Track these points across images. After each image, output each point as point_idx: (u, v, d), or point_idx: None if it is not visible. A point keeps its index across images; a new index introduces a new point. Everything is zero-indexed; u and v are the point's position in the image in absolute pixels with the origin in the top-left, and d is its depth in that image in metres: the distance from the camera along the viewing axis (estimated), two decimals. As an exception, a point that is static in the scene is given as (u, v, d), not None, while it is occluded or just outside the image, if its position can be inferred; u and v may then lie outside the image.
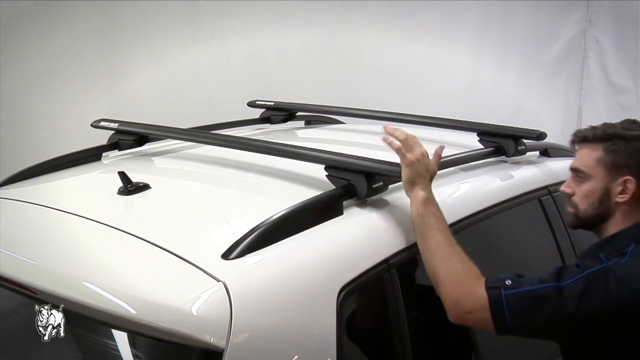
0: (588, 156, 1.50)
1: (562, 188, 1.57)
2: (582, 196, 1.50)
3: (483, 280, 1.37)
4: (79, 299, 1.23)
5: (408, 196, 1.49)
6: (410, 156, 1.49)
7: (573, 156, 1.59)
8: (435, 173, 1.53)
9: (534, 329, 1.35)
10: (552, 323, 1.32)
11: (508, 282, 1.34)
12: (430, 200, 1.46)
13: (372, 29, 4.55)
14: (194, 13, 4.21)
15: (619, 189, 1.46)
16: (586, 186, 1.49)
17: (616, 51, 4.52)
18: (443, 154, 1.60)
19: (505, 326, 1.33)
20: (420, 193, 1.46)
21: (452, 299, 1.37)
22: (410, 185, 1.48)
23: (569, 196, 1.54)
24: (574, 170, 1.53)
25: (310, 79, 4.42)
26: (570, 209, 1.54)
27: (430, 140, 2.20)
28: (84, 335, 1.36)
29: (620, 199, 1.46)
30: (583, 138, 1.53)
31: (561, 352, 1.49)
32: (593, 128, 1.52)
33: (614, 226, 1.48)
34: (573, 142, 1.57)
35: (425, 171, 1.49)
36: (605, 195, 1.47)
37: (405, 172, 1.48)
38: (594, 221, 1.51)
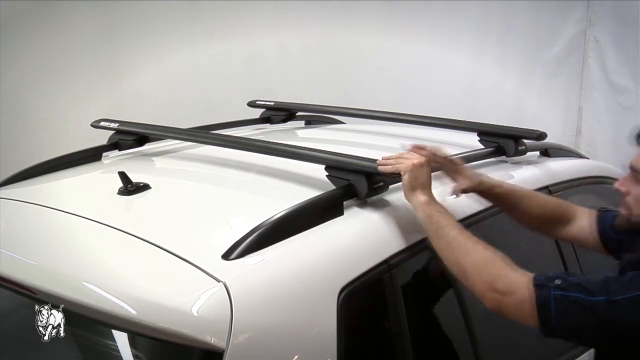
0: None
1: (617, 185, 1.47)
2: (639, 199, 1.41)
3: (516, 266, 1.32)
4: (79, 299, 1.23)
5: (411, 204, 1.48)
6: (402, 167, 1.48)
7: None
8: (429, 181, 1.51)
9: (579, 337, 1.32)
10: (599, 337, 1.27)
11: (557, 281, 1.27)
12: (432, 201, 1.46)
13: (372, 29, 4.55)
14: (194, 13, 4.21)
15: None
16: None
17: (616, 51, 4.51)
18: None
19: (551, 327, 1.27)
20: (420, 197, 1.46)
21: (486, 284, 1.31)
22: (411, 191, 1.48)
23: (623, 195, 1.44)
24: (633, 169, 1.44)
25: (310, 79, 4.41)
26: (623, 210, 1.45)
27: (430, 141, 2.22)
28: (84, 335, 1.35)
29: None
30: None
31: (595, 353, 1.44)
32: None
33: None
34: (638, 137, 1.48)
35: (423, 177, 1.48)
36: None
37: (403, 182, 1.48)
38: None
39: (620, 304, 1.22)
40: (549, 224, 1.70)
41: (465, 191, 1.65)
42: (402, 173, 1.48)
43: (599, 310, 1.23)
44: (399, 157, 1.52)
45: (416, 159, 1.50)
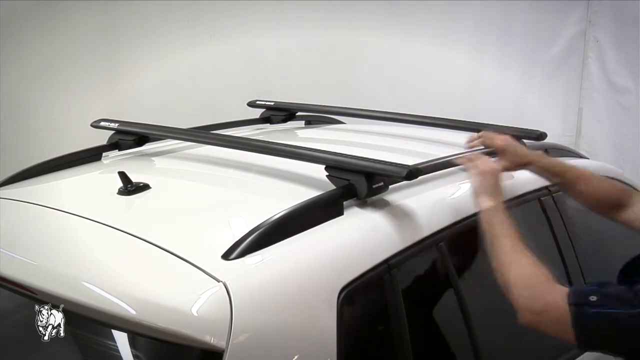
0: None
1: None
2: None
3: (554, 282, 1.32)
4: (79, 299, 1.23)
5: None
6: (473, 170, 1.59)
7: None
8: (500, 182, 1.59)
9: (615, 350, 1.30)
10: (636, 347, 1.26)
11: (592, 298, 1.26)
12: (495, 209, 1.49)
13: (372, 29, 4.55)
14: (194, 13, 4.21)
15: None
16: None
17: (616, 51, 4.51)
18: (443, 154, 1.61)
19: (587, 344, 1.27)
20: (484, 203, 1.51)
21: (524, 304, 1.31)
22: (476, 196, 1.55)
23: None
24: None
25: (310, 79, 4.41)
26: None
27: (430, 140, 2.22)
28: (84, 335, 1.35)
29: None
30: None
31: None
32: None
33: None
34: None
35: (491, 184, 1.56)
36: None
37: (472, 184, 1.59)
38: None
39: None
40: (602, 206, 1.72)
41: (507, 169, 1.72)
42: (472, 174, 1.58)
43: (634, 321, 1.22)
44: (476, 158, 1.64)
45: (488, 166, 1.59)
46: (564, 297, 1.28)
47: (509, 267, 1.37)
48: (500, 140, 1.78)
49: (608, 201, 1.69)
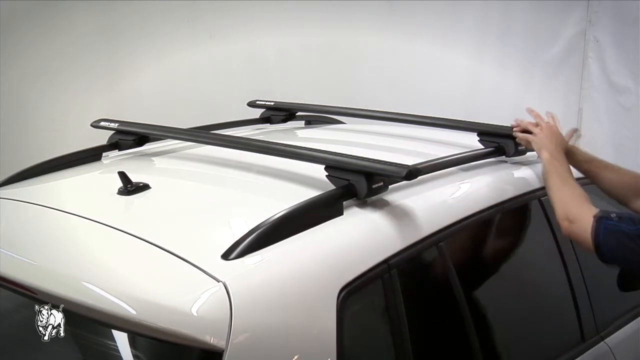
0: None
1: None
2: None
3: (588, 201, 1.64)
4: (79, 299, 1.23)
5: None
6: (536, 129, 1.94)
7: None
8: (565, 141, 1.92)
9: (624, 262, 1.60)
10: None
11: (612, 215, 1.57)
12: (553, 158, 1.81)
13: (372, 29, 4.55)
14: (194, 13, 4.21)
15: None
16: None
17: (616, 51, 4.50)
18: (443, 154, 1.61)
19: (602, 252, 1.56)
20: (544, 155, 1.84)
21: (563, 214, 1.66)
22: (539, 151, 1.88)
23: None
24: None
25: (310, 79, 4.41)
26: None
27: (430, 140, 2.22)
28: (84, 335, 1.35)
29: None
30: None
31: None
32: None
33: None
34: None
35: (552, 139, 1.88)
36: None
37: (534, 143, 1.91)
38: None
39: None
40: (626, 196, 1.88)
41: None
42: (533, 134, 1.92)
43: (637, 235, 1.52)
44: (539, 123, 1.97)
45: (551, 127, 1.94)
46: (593, 213, 1.59)
47: (555, 191, 1.73)
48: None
49: (632, 190, 1.85)
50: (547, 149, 1.85)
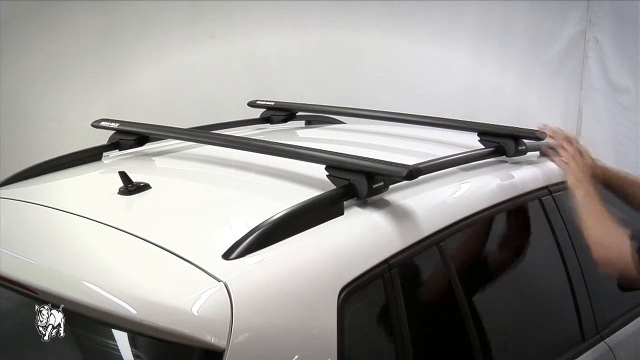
0: None
1: None
2: None
3: (625, 236, 1.58)
4: (79, 299, 1.23)
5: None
6: (567, 155, 1.90)
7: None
8: (591, 168, 1.87)
9: None
10: None
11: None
12: (586, 194, 1.76)
13: (372, 29, 4.55)
14: (194, 13, 4.21)
15: None
16: None
17: (616, 51, 4.50)
18: (443, 154, 1.61)
19: None
20: (579, 193, 1.78)
21: (600, 258, 1.63)
22: (572, 185, 1.82)
23: None
24: None
25: (310, 79, 4.41)
26: None
27: (430, 140, 2.22)
28: (84, 335, 1.35)
29: None
30: None
31: None
32: None
33: None
34: None
35: (585, 169, 1.83)
36: None
37: (566, 174, 1.87)
38: None
39: None
40: None
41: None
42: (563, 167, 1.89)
43: None
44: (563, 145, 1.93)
45: (582, 159, 1.88)
46: (627, 242, 1.56)
47: (588, 229, 1.69)
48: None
49: None
50: (582, 184, 1.81)
